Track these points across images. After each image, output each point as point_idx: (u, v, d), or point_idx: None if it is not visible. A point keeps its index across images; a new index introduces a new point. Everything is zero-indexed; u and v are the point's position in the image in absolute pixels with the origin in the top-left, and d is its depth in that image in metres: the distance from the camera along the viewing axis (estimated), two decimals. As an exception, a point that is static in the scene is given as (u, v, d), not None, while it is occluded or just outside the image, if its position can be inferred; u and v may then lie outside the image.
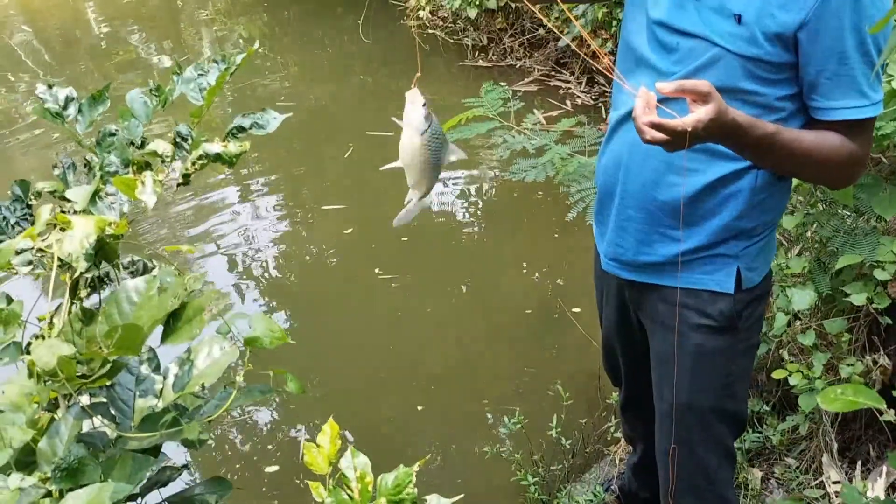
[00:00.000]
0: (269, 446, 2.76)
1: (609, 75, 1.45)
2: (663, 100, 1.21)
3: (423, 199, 1.39)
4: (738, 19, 1.26)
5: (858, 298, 2.00)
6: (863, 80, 1.27)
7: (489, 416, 2.78)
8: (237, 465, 2.72)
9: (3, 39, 6.80)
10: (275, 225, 4.00)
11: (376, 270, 3.55)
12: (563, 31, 4.81)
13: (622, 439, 2.46)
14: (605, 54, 1.47)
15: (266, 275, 3.65)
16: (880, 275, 1.98)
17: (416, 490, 1.20)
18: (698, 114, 1.17)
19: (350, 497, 1.15)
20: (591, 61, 1.57)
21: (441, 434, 2.77)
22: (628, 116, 1.41)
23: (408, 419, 2.83)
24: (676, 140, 1.16)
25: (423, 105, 1.28)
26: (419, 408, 2.86)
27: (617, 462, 2.43)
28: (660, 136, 1.16)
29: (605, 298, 1.76)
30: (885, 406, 0.99)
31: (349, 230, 3.84)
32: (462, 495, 1.95)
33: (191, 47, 6.57)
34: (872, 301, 2.02)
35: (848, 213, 2.19)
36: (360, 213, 3.99)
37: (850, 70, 1.26)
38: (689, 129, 1.15)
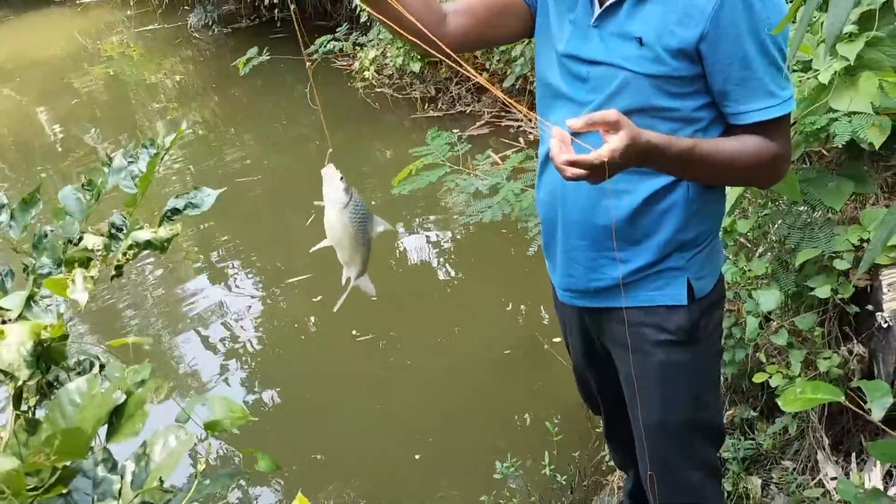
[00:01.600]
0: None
1: (527, 117, 1.47)
2: (581, 133, 1.23)
3: (360, 279, 1.42)
4: (640, 42, 1.29)
5: (823, 291, 2.01)
6: (769, 81, 1.29)
7: (482, 462, 2.73)
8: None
9: (-43, 155, 6.80)
10: (246, 300, 3.98)
11: (353, 332, 3.52)
12: (506, 73, 4.90)
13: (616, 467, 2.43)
14: (516, 100, 1.50)
15: (243, 352, 3.61)
16: (840, 265, 1.99)
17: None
18: (611, 143, 1.19)
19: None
20: (516, 108, 1.59)
21: (436, 488, 2.71)
22: None
23: (403, 476, 2.78)
24: (596, 172, 1.18)
25: (341, 179, 1.32)
26: (416, 456, 2.82)
27: (616, 490, 2.39)
28: (579, 171, 1.18)
29: (568, 329, 1.75)
30: (844, 397, 0.98)
31: (318, 298, 3.82)
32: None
33: (148, 137, 6.60)
34: (837, 292, 2.03)
35: (802, 209, 2.21)
36: (326, 279, 3.97)
37: (754, 73, 1.28)
38: (606, 160, 1.17)
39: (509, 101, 1.34)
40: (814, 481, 2.13)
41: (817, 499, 2.06)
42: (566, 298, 1.58)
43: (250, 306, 3.93)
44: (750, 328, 2.11)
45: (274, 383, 3.41)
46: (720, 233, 1.62)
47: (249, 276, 4.26)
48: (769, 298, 2.06)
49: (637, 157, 1.23)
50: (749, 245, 2.49)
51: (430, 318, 3.61)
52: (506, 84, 4.85)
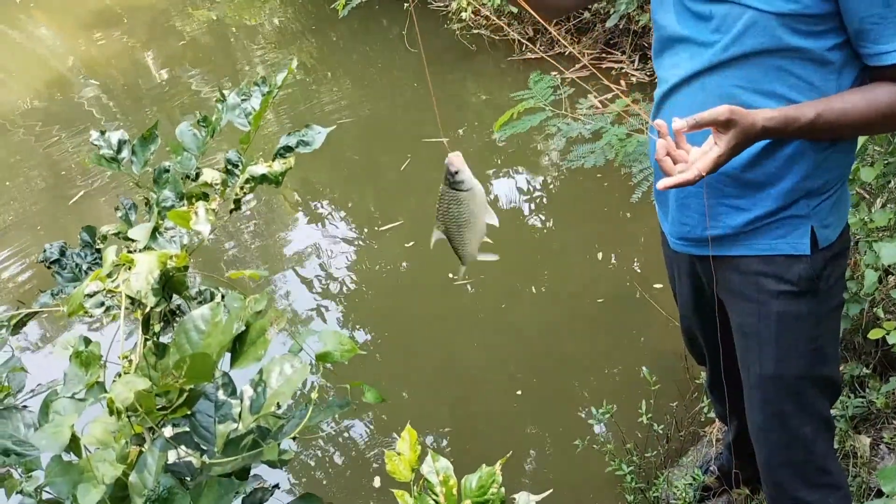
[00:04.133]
0: (370, 459, 2.79)
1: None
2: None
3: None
4: None
5: (952, 244, 1.88)
6: None
7: (577, 408, 2.74)
8: (340, 482, 2.76)
9: (73, 97, 7.13)
10: (340, 243, 4.06)
11: (450, 275, 3.54)
12: (608, 13, 4.73)
13: (716, 419, 2.38)
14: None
15: (339, 292, 3.70)
16: (974, 217, 1.86)
17: (502, 489, 1.18)
18: (718, 148, 1.18)
19: (436, 502, 1.15)
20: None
21: (531, 431, 2.74)
22: (671, 92, 1.39)
23: (498, 418, 2.82)
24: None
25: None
26: (518, 392, 2.86)
27: (714, 442, 2.35)
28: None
29: (677, 277, 1.70)
30: None
31: (410, 243, 3.85)
32: (551, 490, 1.93)
33: (259, 76, 6.74)
34: (969, 246, 1.89)
35: (931, 157, 2.07)
36: (418, 225, 4.01)
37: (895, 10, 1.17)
38: (706, 174, 1.18)
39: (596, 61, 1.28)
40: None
41: (934, 460, 1.98)
42: (678, 247, 1.53)
43: (345, 249, 4.01)
44: (868, 282, 2.00)
45: (371, 322, 3.49)
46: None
47: (344, 219, 4.34)
48: (892, 251, 1.94)
49: (754, 142, 1.21)
50: (869, 195, 2.35)
51: (528, 264, 3.59)
52: (609, 24, 4.69)
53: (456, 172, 1.33)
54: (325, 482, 2.77)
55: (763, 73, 1.25)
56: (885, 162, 2.09)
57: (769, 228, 1.38)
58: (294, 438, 1.16)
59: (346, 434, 2.92)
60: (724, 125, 1.16)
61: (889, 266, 2.05)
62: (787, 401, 1.50)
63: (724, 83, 1.29)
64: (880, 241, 2.01)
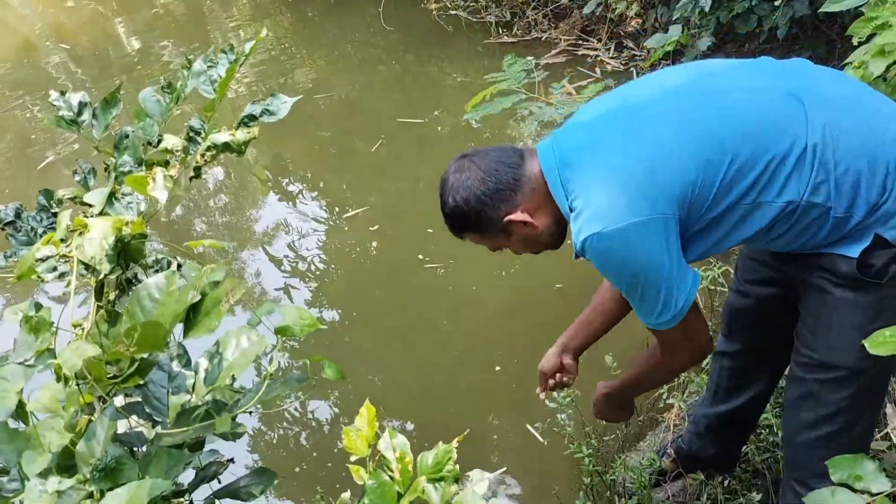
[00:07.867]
0: (336, 436, 2.79)
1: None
2: None
3: None
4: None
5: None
6: (636, 306, 1.46)
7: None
8: (296, 457, 2.75)
9: (40, 64, 6.96)
10: (310, 222, 4.03)
11: (420, 257, 3.53)
12: (586, -2, 4.72)
13: (675, 405, 2.41)
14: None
15: (308, 271, 3.68)
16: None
17: (457, 467, 1.18)
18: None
19: (391, 478, 1.14)
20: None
21: (491, 413, 2.75)
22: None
23: (462, 399, 2.83)
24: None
25: None
26: (497, 368, 2.85)
27: (671, 427, 2.38)
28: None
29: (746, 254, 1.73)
30: (938, 344, 0.93)
31: (375, 227, 3.84)
32: (504, 468, 1.92)
33: (227, 44, 6.63)
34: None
35: None
36: (388, 208, 3.99)
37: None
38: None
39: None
40: (880, 434, 2.08)
41: (884, 451, 2.02)
42: None
43: (314, 228, 3.98)
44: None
45: (339, 303, 3.47)
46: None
47: (315, 198, 4.31)
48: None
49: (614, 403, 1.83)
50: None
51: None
52: (586, 11, 4.68)
53: None
54: (289, 458, 2.76)
55: None
56: None
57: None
58: (250, 413, 1.15)
59: (312, 411, 2.92)
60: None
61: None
62: (828, 386, 1.46)
63: None
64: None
